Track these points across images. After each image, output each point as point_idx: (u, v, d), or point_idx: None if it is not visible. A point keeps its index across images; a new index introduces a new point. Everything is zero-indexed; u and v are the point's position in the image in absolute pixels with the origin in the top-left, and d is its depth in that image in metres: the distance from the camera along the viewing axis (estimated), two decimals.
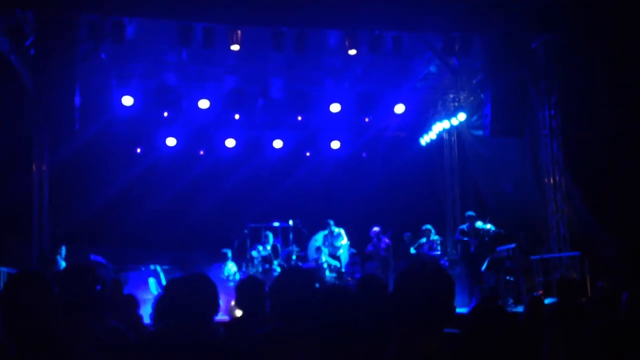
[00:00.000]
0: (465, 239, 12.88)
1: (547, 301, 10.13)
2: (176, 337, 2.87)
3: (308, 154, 17.05)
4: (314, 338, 2.61)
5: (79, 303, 3.20)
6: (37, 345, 2.50)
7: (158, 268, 12.28)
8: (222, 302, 11.20)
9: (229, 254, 12.88)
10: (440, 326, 2.18)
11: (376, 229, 13.97)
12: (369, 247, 14.02)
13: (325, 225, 14.27)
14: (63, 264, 11.65)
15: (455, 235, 13.48)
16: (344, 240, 14.24)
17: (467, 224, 12.87)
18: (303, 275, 3.38)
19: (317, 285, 10.96)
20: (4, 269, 11.22)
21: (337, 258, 13.90)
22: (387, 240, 13.71)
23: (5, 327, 2.47)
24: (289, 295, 3.18)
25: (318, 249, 13.85)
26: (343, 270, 13.67)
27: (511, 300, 11.61)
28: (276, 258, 13.25)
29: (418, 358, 2.07)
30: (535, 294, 11.17)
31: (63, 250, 11.72)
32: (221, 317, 10.69)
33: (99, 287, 3.32)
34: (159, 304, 4.27)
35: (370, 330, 2.77)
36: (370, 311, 3.10)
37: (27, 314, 2.56)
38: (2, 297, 2.57)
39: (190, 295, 2.94)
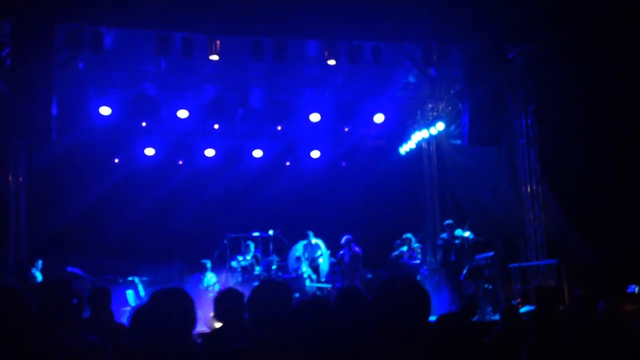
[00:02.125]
0: (444, 245, 12.93)
1: (525, 309, 10.22)
2: (154, 351, 2.85)
3: (288, 163, 17.06)
4: (293, 349, 2.61)
5: (55, 317, 3.16)
6: (9, 358, 2.47)
7: (136, 279, 12.17)
8: (201, 314, 11.13)
9: (208, 264, 12.80)
10: (416, 340, 2.18)
11: (348, 236, 13.89)
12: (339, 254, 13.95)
13: (305, 235, 14.27)
14: (39, 276, 11.50)
15: (438, 242, 13.52)
16: (322, 251, 14.23)
17: (446, 232, 12.93)
18: (280, 287, 3.37)
19: (296, 295, 10.88)
20: None
21: (316, 269, 13.89)
22: (357, 249, 13.67)
23: None
24: (267, 306, 3.18)
25: (298, 259, 13.82)
26: (323, 279, 13.66)
27: (490, 309, 11.68)
28: (257, 268, 13.18)
29: None
30: (513, 302, 11.26)
31: (39, 263, 11.58)
32: (200, 328, 10.63)
33: (75, 301, 3.28)
34: (136, 316, 4.23)
35: (349, 341, 2.76)
36: (349, 322, 3.10)
37: (3, 329, 2.53)
38: None
39: (167, 310, 2.91)
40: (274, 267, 13.18)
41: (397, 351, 2.17)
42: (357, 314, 3.31)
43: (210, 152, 15.92)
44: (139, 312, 4.22)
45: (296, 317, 2.66)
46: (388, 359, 2.15)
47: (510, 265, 12.49)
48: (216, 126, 14.86)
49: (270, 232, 13.69)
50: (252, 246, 13.48)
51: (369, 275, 13.96)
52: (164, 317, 2.87)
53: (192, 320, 2.97)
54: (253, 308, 3.31)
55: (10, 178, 13.32)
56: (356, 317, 3.21)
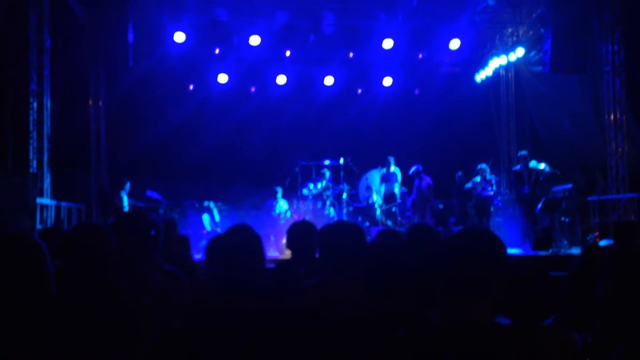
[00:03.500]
0: (517, 177, 12.60)
1: (602, 243, 9.94)
2: (226, 283, 2.92)
3: (360, 90, 16.86)
4: (364, 291, 2.62)
5: (134, 250, 3.28)
6: (95, 295, 2.58)
7: (212, 205, 12.50)
8: (273, 239, 11.36)
9: (280, 191, 12.97)
10: (488, 293, 2.14)
11: (417, 167, 13.62)
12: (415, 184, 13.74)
13: (385, 163, 13.99)
14: (126, 199, 11.96)
15: (510, 176, 13.19)
16: (399, 179, 14.03)
17: (520, 164, 12.58)
18: (353, 231, 3.36)
19: (367, 224, 10.90)
20: (64, 204, 11.65)
21: (392, 196, 13.71)
22: (427, 179, 13.47)
23: (64, 278, 2.55)
24: (339, 249, 3.19)
25: (369, 188, 13.79)
26: (394, 209, 13.58)
27: (565, 242, 11.43)
28: (328, 195, 13.25)
29: (465, 324, 2.05)
30: (590, 236, 10.98)
31: (127, 185, 12.01)
32: (273, 253, 10.92)
33: (152, 232, 3.39)
34: (208, 249, 4.35)
35: (421, 284, 2.75)
36: (421, 263, 3.08)
37: (89, 268, 2.63)
38: (61, 249, 2.64)
39: (237, 246, 2.97)
40: (344, 195, 13.23)
41: (469, 301, 2.13)
42: (430, 253, 3.29)
43: (282, 79, 15.90)
44: (211, 246, 4.34)
45: (368, 258, 2.66)
46: (460, 307, 2.13)
47: (590, 198, 12.12)
48: (288, 53, 14.75)
49: (341, 160, 13.68)
50: (327, 174, 13.52)
51: (441, 206, 13.85)
52: (235, 253, 2.93)
53: (261, 258, 3.02)
54: (324, 249, 3.33)
55: (90, 103, 13.77)
56: (429, 259, 3.19)
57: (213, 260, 4.15)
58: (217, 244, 4.01)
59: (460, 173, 14.07)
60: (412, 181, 13.67)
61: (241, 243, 2.97)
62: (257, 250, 3.00)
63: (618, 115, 11.91)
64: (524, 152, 12.69)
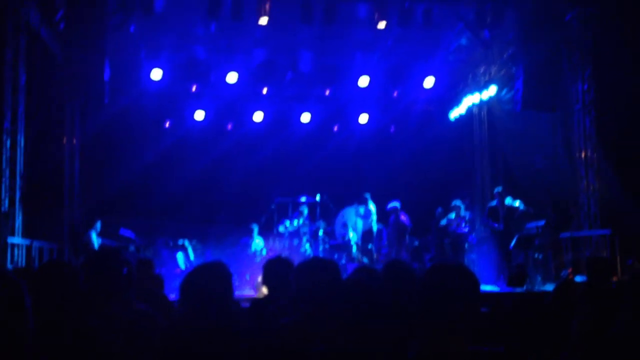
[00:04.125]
0: (492, 213, 12.73)
1: (576, 279, 10.03)
2: (199, 322, 2.89)
3: (336, 127, 16.99)
4: (339, 329, 2.60)
5: (105, 289, 3.23)
6: (66, 334, 2.53)
7: (186, 243, 12.39)
8: (249, 277, 11.27)
9: (256, 229, 12.92)
10: (466, 328, 2.15)
11: (395, 204, 13.76)
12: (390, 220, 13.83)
13: (361, 200, 14.06)
14: (95, 238, 11.80)
15: (485, 212, 13.32)
16: (374, 217, 14.10)
17: (496, 200, 12.72)
18: (329, 268, 3.36)
19: (343, 262, 10.87)
20: (36, 243, 11.44)
21: (370, 233, 13.75)
22: (403, 218, 13.56)
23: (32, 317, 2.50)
24: (315, 285, 3.18)
25: (345, 225, 13.81)
26: (370, 246, 13.60)
27: (539, 278, 11.51)
28: (305, 234, 13.23)
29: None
30: (564, 272, 11.07)
31: (98, 224, 11.87)
32: (248, 292, 10.82)
33: (124, 271, 3.34)
34: (181, 288, 4.31)
35: (396, 322, 2.75)
36: (396, 300, 3.08)
37: (53, 304, 2.59)
38: (29, 288, 2.60)
39: (209, 284, 2.96)
40: (320, 232, 13.22)
41: (445, 338, 2.14)
42: (405, 290, 3.29)
43: (258, 116, 15.97)
44: (183, 283, 4.29)
45: (343, 295, 2.66)
46: (435, 345, 2.13)
47: (562, 235, 12.25)
48: (265, 90, 14.85)
49: (318, 197, 13.70)
50: (305, 211, 13.52)
51: (416, 243, 13.90)
52: (206, 291, 2.91)
53: (230, 293, 3.00)
54: (300, 285, 3.32)
55: (64, 140, 13.65)
56: (405, 295, 3.19)
57: (186, 298, 4.09)
58: (188, 281, 3.96)
59: (440, 209, 14.17)
60: (388, 217, 13.73)
61: (211, 280, 2.95)
62: (228, 287, 2.98)
63: (589, 153, 12.12)
64: (499, 189, 12.84)
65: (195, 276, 3.13)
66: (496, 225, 12.36)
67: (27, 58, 11.21)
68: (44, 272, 2.68)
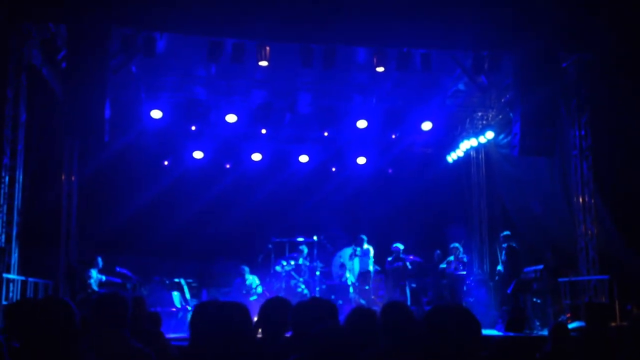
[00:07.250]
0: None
1: (574, 325, 9.95)
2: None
3: (334, 169, 17.05)
4: None
5: (101, 327, 3.20)
6: None
7: (182, 282, 12.31)
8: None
9: (247, 270, 12.92)
10: None
11: (400, 246, 13.79)
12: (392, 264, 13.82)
13: (357, 242, 14.06)
14: (95, 275, 11.72)
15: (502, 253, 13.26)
16: (371, 258, 14.08)
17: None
18: (328, 308, 3.33)
19: (340, 302, 10.79)
20: (31, 280, 11.35)
21: (367, 274, 13.71)
22: (405, 261, 13.54)
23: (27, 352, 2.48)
24: (312, 327, 3.13)
25: (342, 266, 13.74)
26: (367, 287, 13.53)
27: (538, 323, 11.41)
28: (301, 274, 13.18)
29: None
30: (562, 317, 10.99)
31: (99, 261, 11.80)
32: None
33: (120, 309, 3.31)
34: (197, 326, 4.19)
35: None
36: (395, 341, 3.04)
37: (49, 340, 2.57)
38: (26, 324, 2.58)
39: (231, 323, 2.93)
40: (317, 273, 13.16)
41: None
42: (404, 331, 3.25)
43: (257, 157, 16.04)
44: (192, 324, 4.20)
45: (342, 337, 2.63)
46: None
47: (560, 280, 12.19)
48: (264, 131, 14.93)
49: (315, 238, 13.68)
50: (305, 250, 13.50)
51: (414, 285, 13.82)
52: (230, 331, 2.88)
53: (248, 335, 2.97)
54: (298, 325, 3.28)
55: (63, 178, 13.66)
56: (403, 337, 3.15)
57: (204, 337, 3.99)
58: (206, 320, 3.86)
59: (438, 252, 14.14)
60: (389, 259, 13.71)
61: (235, 321, 2.91)
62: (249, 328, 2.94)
63: (586, 198, 12.13)
64: (507, 233, 12.87)
65: (214, 315, 3.08)
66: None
67: (28, 96, 11.29)
68: (41, 307, 2.66)
